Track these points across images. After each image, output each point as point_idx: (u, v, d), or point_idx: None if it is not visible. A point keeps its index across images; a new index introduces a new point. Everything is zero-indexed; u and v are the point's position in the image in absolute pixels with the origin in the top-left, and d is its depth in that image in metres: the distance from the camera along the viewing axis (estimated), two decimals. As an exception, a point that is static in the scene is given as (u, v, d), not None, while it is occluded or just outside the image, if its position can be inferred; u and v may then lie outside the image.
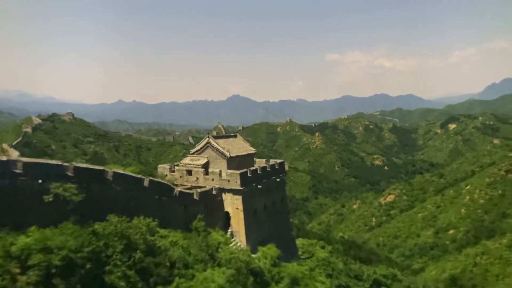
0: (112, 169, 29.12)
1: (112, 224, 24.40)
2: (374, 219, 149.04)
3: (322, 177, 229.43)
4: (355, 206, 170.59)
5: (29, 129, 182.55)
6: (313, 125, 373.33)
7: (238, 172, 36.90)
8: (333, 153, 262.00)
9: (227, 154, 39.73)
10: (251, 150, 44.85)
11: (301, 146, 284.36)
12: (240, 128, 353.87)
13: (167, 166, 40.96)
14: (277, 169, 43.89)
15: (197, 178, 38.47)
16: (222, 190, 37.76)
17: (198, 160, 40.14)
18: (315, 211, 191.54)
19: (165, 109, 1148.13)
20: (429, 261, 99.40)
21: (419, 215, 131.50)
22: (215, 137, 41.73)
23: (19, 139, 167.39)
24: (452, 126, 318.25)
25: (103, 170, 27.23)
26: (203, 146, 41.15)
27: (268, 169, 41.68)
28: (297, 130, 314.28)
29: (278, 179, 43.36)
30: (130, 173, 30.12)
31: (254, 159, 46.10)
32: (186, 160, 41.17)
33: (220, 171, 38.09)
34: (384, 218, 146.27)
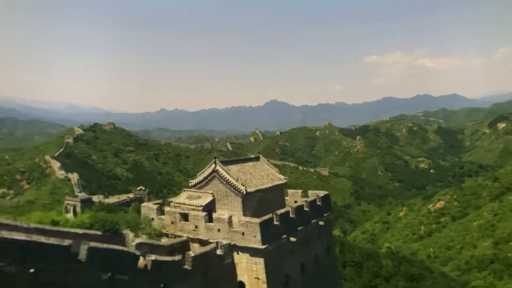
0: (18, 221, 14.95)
1: None
2: (423, 228, 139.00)
3: (364, 182, 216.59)
4: (401, 214, 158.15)
5: (70, 140, 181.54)
6: (353, 128, 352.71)
7: (258, 220, 21.53)
8: (375, 156, 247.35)
9: (242, 188, 24.21)
10: (280, 179, 28.23)
11: (341, 150, 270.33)
12: (278, 133, 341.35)
13: (153, 205, 25.99)
14: (320, 206, 27.77)
15: (196, 227, 23.57)
16: (233, 248, 22.59)
17: (199, 198, 25.01)
18: (358, 219, 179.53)
19: (205, 116, 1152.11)
20: (489, 276, 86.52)
21: (474, 223, 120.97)
22: (225, 162, 26.56)
23: (61, 150, 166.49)
24: (501, 125, 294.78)
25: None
26: (208, 176, 25.89)
27: (306, 209, 25.91)
28: (336, 134, 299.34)
29: (321, 222, 27.38)
30: (46, 239, 15.33)
31: (285, 190, 30.08)
32: (182, 197, 26.00)
33: (231, 216, 22.93)
34: (434, 226, 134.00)
